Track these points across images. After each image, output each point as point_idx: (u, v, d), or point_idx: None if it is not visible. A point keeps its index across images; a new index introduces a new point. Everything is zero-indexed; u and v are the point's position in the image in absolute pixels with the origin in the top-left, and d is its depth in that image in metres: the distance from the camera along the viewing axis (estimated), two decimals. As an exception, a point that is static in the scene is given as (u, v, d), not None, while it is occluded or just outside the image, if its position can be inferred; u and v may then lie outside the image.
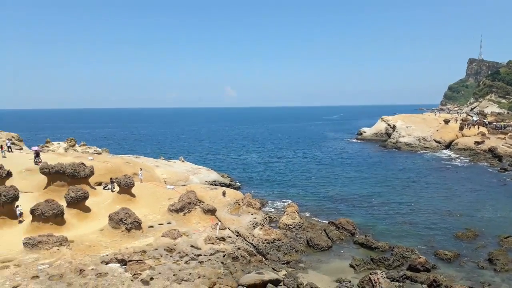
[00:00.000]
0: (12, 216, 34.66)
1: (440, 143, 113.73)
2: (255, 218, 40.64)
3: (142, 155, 77.79)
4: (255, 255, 34.06)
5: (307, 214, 49.90)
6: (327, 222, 45.79)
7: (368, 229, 44.61)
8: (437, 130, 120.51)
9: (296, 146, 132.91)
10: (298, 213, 44.74)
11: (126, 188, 41.35)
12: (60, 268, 25.81)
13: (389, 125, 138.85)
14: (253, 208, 42.50)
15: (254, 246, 36.34)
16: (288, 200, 56.61)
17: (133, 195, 41.81)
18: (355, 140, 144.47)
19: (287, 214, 43.63)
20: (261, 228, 38.29)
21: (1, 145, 57.52)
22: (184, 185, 53.59)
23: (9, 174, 43.03)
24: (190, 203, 38.64)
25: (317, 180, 73.27)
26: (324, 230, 42.54)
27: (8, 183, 40.37)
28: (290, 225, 41.81)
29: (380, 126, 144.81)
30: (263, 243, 36.70)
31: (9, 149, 58.37)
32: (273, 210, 52.33)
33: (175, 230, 33.59)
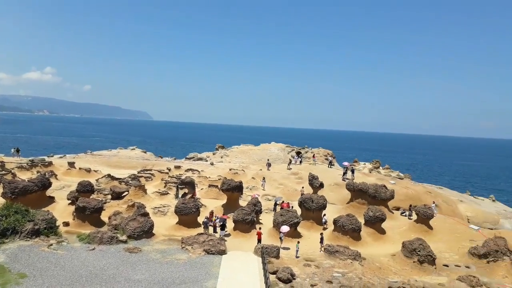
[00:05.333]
0: (319, 222, 39.80)
1: None
2: None
3: (445, 186, 72.73)
4: None
5: None
6: None
7: None
8: None
9: None
10: None
11: (424, 218, 39.72)
12: (350, 281, 27.52)
13: None
14: None
15: None
16: None
17: (430, 227, 39.68)
18: None
19: None
20: None
21: (330, 161, 69.32)
22: (492, 229, 46.26)
23: (321, 186, 49.81)
24: (497, 251, 32.98)
25: None
26: None
27: (320, 193, 46.78)
28: None
29: None
30: None
31: (330, 165, 67.19)
32: None
33: (474, 277, 29.48)
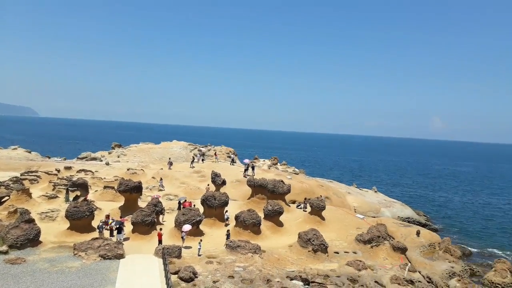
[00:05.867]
0: (221, 219, 40.21)
1: None
2: (452, 268, 35.82)
3: (335, 180, 78.95)
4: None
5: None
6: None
7: None
8: None
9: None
10: (511, 272, 37.18)
11: (317, 210, 42.65)
12: (251, 274, 28.40)
13: None
14: (451, 255, 37.60)
15: (449, 299, 31.92)
16: (500, 254, 47.95)
17: (323, 218, 42.76)
18: None
19: (495, 271, 36.81)
20: (459, 280, 33.38)
21: (232, 158, 70.35)
22: (374, 217, 51.69)
23: (224, 183, 50.36)
24: (379, 236, 36.97)
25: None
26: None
27: (222, 190, 47.24)
28: (498, 284, 35.08)
29: None
30: (461, 298, 31.85)
31: (233, 162, 67.97)
32: (477, 263, 44.94)
33: (360, 261, 32.64)
